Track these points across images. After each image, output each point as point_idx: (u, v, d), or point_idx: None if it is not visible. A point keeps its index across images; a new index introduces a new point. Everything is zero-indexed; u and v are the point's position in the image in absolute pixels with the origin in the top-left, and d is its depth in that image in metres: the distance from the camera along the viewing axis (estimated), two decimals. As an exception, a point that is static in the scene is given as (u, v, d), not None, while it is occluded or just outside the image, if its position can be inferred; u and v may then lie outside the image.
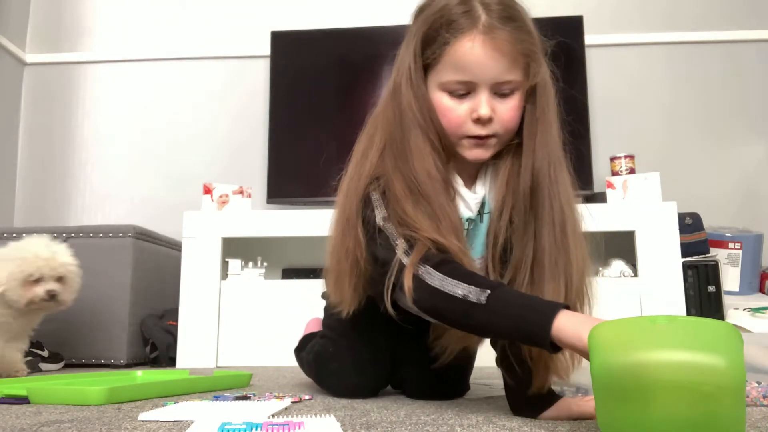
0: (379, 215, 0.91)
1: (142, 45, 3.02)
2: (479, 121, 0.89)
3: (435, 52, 0.90)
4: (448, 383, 1.14)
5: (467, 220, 0.97)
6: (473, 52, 0.86)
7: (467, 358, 1.17)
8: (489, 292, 0.77)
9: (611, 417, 0.63)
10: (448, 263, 0.83)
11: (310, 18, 2.91)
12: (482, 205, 0.98)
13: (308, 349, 1.30)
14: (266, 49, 2.82)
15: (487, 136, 0.91)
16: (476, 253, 0.98)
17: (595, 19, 2.72)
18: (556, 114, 0.93)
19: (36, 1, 3.06)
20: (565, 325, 0.71)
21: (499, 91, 0.89)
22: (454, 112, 0.90)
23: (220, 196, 2.46)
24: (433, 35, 0.90)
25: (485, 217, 0.98)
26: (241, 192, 2.48)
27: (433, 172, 0.90)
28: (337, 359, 1.16)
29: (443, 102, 0.91)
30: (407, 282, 0.82)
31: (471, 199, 0.97)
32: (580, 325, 0.70)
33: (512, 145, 0.95)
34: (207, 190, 2.46)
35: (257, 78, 2.89)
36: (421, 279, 0.82)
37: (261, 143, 2.82)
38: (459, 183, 0.96)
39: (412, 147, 0.91)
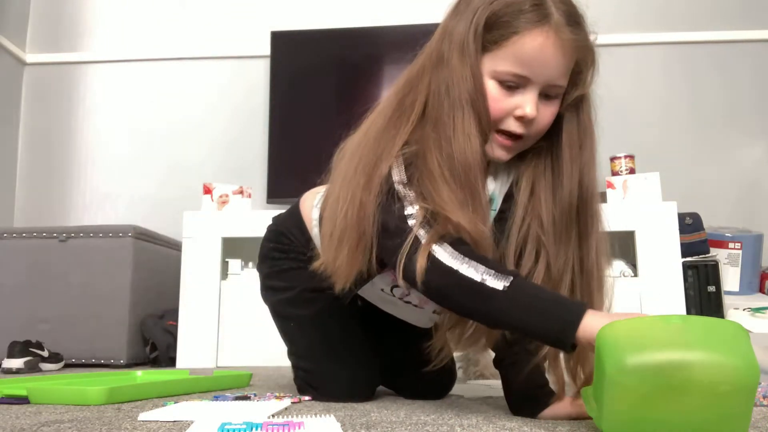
0: (397, 177, 0.85)
1: (142, 45, 3.02)
2: (522, 119, 0.86)
3: (498, 38, 0.84)
4: (436, 381, 1.14)
5: None
6: (542, 50, 0.82)
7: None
8: (511, 278, 0.75)
9: (621, 417, 0.62)
10: (465, 244, 0.79)
11: (310, 18, 2.91)
12: (490, 201, 0.95)
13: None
14: (266, 49, 2.82)
15: (519, 137, 0.88)
16: None
17: (594, 20, 2.71)
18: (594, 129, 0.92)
19: (36, 1, 3.06)
20: (592, 324, 0.69)
21: (547, 93, 0.86)
22: (498, 103, 0.86)
23: (220, 196, 2.46)
24: (500, 20, 0.84)
25: (491, 214, 0.95)
26: (241, 192, 2.48)
27: (473, 159, 0.84)
28: (320, 388, 1.10)
29: (491, 90, 0.86)
30: (420, 260, 0.78)
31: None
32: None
33: (540, 149, 0.92)
34: (207, 190, 2.46)
35: (257, 78, 2.89)
36: (435, 258, 0.78)
37: (261, 143, 2.82)
38: None
39: (457, 126, 0.85)
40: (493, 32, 0.84)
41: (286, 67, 2.77)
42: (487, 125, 0.86)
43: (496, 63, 0.85)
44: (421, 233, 0.80)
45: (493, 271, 0.76)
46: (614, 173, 2.43)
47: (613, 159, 2.46)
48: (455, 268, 0.77)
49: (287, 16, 2.94)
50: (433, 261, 0.78)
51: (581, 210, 0.89)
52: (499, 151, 0.89)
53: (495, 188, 0.96)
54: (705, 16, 2.84)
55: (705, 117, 2.79)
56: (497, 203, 0.97)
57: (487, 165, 0.93)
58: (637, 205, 2.27)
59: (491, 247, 0.84)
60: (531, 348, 0.86)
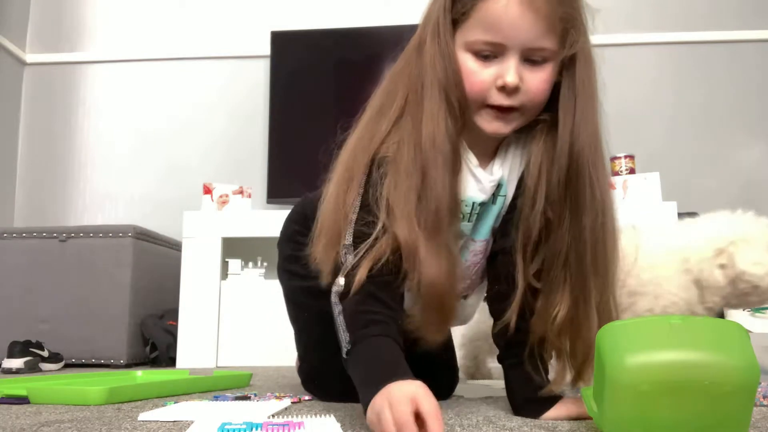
0: (373, 178, 0.83)
1: (142, 45, 3.02)
2: (504, 89, 0.80)
3: (465, 7, 0.80)
4: (437, 382, 1.13)
5: (480, 204, 0.90)
6: (507, 10, 0.77)
7: (447, 354, 1.15)
8: (351, 346, 0.76)
9: (621, 417, 0.62)
10: (360, 292, 0.79)
11: (310, 18, 2.91)
12: (498, 186, 0.90)
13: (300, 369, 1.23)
14: (266, 49, 2.82)
15: (510, 108, 0.82)
16: (481, 236, 0.93)
17: (595, 20, 2.71)
18: (596, 91, 0.84)
19: (36, 1, 3.06)
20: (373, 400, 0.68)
21: (530, 59, 0.80)
22: (477, 75, 0.81)
23: (220, 196, 2.46)
24: None
25: (499, 200, 0.91)
26: (241, 192, 2.48)
27: (439, 140, 0.80)
28: (322, 384, 1.11)
29: (467, 64, 0.81)
30: (336, 283, 0.81)
31: (486, 180, 0.89)
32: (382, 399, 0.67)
33: (545, 123, 0.86)
34: (207, 190, 2.46)
35: (257, 78, 2.89)
36: (333, 289, 0.81)
37: (261, 143, 2.82)
38: (473, 162, 0.88)
39: (426, 108, 0.81)
40: (461, 2, 0.81)
41: (286, 67, 2.77)
42: (459, 104, 0.82)
43: (467, 34, 0.81)
44: (347, 258, 0.81)
45: (348, 336, 0.77)
46: (614, 173, 2.43)
47: (613, 159, 2.46)
48: (334, 314, 0.80)
49: (287, 16, 2.94)
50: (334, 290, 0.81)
51: (571, 184, 0.82)
52: (494, 124, 0.83)
53: (504, 173, 0.90)
54: (705, 16, 2.84)
55: (705, 117, 2.79)
56: (507, 189, 0.92)
57: (494, 152, 0.91)
58: (637, 205, 2.26)
59: (436, 253, 0.79)
60: (535, 350, 0.86)
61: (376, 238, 0.80)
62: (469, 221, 0.91)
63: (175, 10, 3.02)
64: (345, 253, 0.82)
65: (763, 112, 2.77)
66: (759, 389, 1.00)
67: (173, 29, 3.01)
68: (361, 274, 0.78)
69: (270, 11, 2.96)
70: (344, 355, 0.77)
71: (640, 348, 0.61)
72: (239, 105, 2.92)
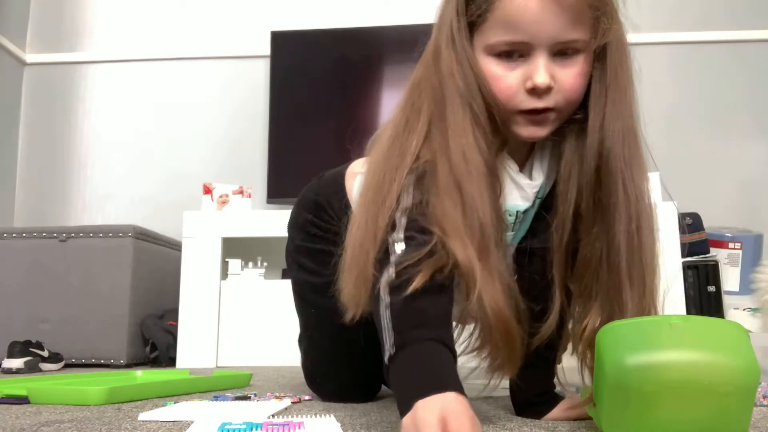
0: (406, 203, 0.74)
1: (142, 45, 3.01)
2: (535, 91, 0.73)
3: (481, 8, 0.73)
4: None
5: (523, 212, 0.84)
6: (527, 5, 0.70)
7: None
8: (394, 351, 0.65)
9: (621, 417, 0.62)
10: (418, 291, 0.67)
11: (310, 18, 2.91)
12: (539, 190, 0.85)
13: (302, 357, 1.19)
14: (266, 49, 2.82)
15: (546, 110, 0.74)
16: (515, 239, 0.88)
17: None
18: (632, 81, 0.77)
19: (36, 1, 3.06)
20: (419, 406, 0.57)
21: (561, 52, 0.73)
22: (503, 81, 0.74)
23: (220, 196, 2.46)
24: None
25: (537, 202, 0.86)
26: (241, 192, 2.48)
27: (469, 153, 0.72)
28: (322, 383, 1.10)
29: (491, 69, 0.74)
30: (386, 272, 0.69)
31: (528, 186, 0.83)
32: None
33: (576, 121, 0.78)
34: (207, 190, 2.46)
35: (257, 78, 2.89)
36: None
37: (261, 143, 2.82)
38: (514, 169, 0.82)
39: (450, 121, 0.74)
40: (476, 2, 0.74)
41: (286, 67, 2.77)
42: (488, 112, 0.75)
43: (487, 36, 0.74)
44: (402, 251, 0.70)
45: (393, 337, 0.66)
46: (614, 173, 2.42)
47: (613, 159, 2.46)
48: (380, 308, 0.69)
49: (287, 16, 2.94)
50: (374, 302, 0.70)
51: (602, 185, 0.75)
52: (530, 128, 0.76)
53: (542, 177, 0.84)
54: (705, 16, 2.84)
55: (705, 117, 2.79)
56: (544, 191, 0.86)
57: (529, 153, 0.84)
58: (637, 205, 2.26)
59: (479, 267, 0.70)
60: (541, 352, 0.84)
61: (434, 250, 0.70)
62: (512, 230, 0.86)
63: (175, 10, 3.02)
64: (394, 242, 0.71)
65: (764, 112, 2.77)
66: (759, 389, 1.00)
67: (173, 29, 3.01)
68: (422, 279, 0.67)
69: (270, 11, 2.96)
70: (386, 362, 0.67)
71: (640, 348, 0.61)
72: (239, 105, 2.91)
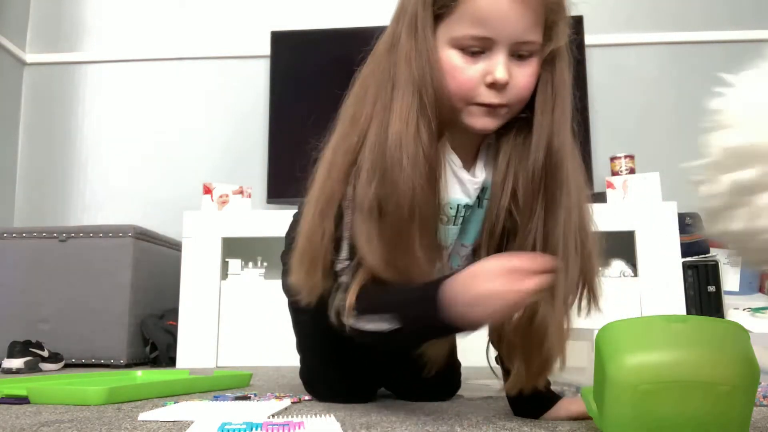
0: (348, 197, 0.81)
1: (142, 45, 3.01)
2: (494, 86, 0.76)
3: (448, 1, 0.76)
4: (438, 384, 1.11)
5: (464, 206, 0.87)
6: (496, 3, 0.73)
7: (450, 355, 1.12)
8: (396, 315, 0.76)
9: (621, 416, 0.62)
10: (364, 294, 0.78)
11: (310, 18, 2.91)
12: (482, 189, 0.87)
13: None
14: (266, 49, 2.82)
15: (500, 105, 0.78)
16: (468, 240, 0.91)
17: (595, 19, 2.72)
18: (570, 89, 0.81)
19: (36, 1, 3.06)
20: (453, 287, 0.69)
21: (517, 53, 0.77)
22: (464, 73, 0.77)
23: (220, 196, 2.46)
24: None
25: (485, 203, 0.88)
26: (241, 192, 2.48)
27: (406, 142, 0.75)
28: (320, 389, 1.10)
29: (452, 60, 0.77)
30: (348, 306, 0.79)
31: (470, 183, 0.86)
32: (465, 282, 0.69)
33: (515, 120, 0.82)
34: (207, 190, 2.46)
35: (257, 78, 2.89)
36: (348, 321, 0.79)
37: (261, 143, 2.82)
38: (457, 164, 0.85)
39: (394, 109, 0.77)
40: None
41: (286, 67, 2.77)
42: (441, 105, 0.77)
43: (453, 29, 0.76)
44: (344, 280, 0.81)
45: (385, 316, 0.76)
46: (614, 173, 2.43)
47: (613, 159, 2.46)
48: (357, 327, 0.79)
49: (287, 16, 2.94)
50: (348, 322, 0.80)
51: (548, 179, 0.79)
52: (484, 120, 0.79)
53: (484, 175, 0.87)
54: (705, 16, 2.84)
55: (705, 117, 2.78)
56: (490, 190, 0.88)
57: (475, 154, 0.88)
58: (637, 205, 2.26)
59: (422, 263, 0.78)
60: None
61: (359, 263, 0.80)
62: (455, 224, 0.88)
63: (174, 10, 3.02)
64: (342, 270, 0.82)
65: (763, 112, 2.77)
66: (759, 389, 1.00)
67: (173, 29, 3.01)
68: (351, 299, 0.78)
69: (270, 11, 2.96)
70: (400, 332, 0.75)
71: (640, 348, 0.61)
72: (239, 105, 2.91)
